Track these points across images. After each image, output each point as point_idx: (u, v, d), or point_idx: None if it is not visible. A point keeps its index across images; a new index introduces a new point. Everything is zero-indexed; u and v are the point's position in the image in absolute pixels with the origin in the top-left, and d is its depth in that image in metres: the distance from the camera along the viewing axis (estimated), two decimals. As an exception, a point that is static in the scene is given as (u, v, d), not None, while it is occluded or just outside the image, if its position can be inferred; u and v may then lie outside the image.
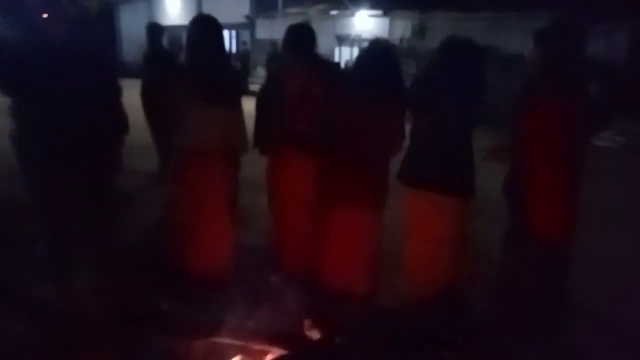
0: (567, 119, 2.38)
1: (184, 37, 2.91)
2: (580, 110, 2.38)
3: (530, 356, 2.28)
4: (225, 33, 2.82)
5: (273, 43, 11.56)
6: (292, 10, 14.71)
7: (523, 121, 2.48)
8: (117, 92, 2.83)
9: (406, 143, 2.66)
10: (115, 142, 2.88)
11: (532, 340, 2.40)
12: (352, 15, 14.02)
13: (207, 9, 13.37)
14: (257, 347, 2.08)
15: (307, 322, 2.20)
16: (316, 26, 3.06)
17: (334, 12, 14.37)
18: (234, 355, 2.08)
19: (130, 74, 4.76)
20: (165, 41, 4.63)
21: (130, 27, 16.28)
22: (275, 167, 2.93)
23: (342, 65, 10.18)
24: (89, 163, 2.65)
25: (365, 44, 2.86)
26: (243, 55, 14.81)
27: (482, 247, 2.93)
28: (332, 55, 14.16)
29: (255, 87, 3.00)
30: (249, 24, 16.59)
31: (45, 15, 2.43)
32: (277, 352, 1.96)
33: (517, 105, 2.57)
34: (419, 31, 12.42)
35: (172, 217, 2.79)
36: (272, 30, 13.64)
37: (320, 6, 14.82)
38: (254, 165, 3.02)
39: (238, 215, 2.86)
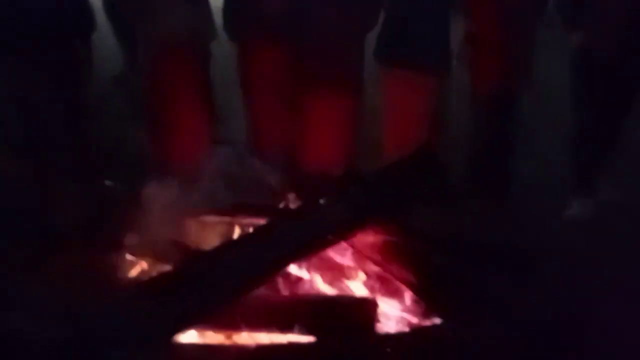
0: None
1: None
2: None
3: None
4: None
5: None
6: None
7: None
8: None
9: (381, 19, 2.65)
10: (81, 39, 2.75)
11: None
12: None
13: None
14: (244, 221, 2.18)
15: (290, 197, 2.29)
16: None
17: None
18: (223, 230, 2.18)
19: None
20: None
21: None
22: (246, 52, 2.86)
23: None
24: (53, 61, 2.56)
25: None
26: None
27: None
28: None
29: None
30: None
31: None
32: (264, 222, 2.05)
33: None
34: None
35: (147, 109, 2.77)
36: None
37: None
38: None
39: (213, 103, 2.84)
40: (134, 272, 2.14)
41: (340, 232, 1.83)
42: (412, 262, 1.84)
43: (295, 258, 1.81)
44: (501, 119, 2.73)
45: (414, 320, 1.83)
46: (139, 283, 1.98)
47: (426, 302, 1.78)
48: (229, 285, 1.73)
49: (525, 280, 1.71)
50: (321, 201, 1.83)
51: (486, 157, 2.80)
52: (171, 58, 2.67)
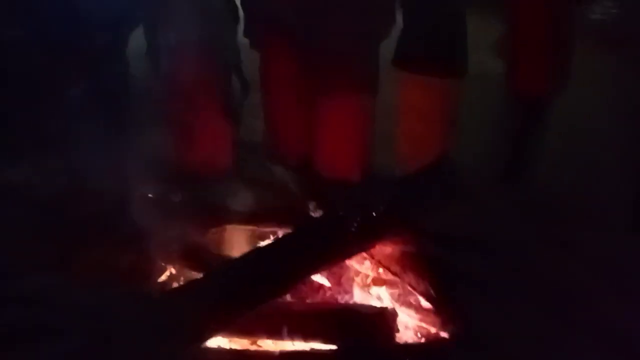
0: None
1: None
2: None
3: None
4: None
5: None
6: None
7: None
8: None
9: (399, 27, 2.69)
10: None
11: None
12: None
13: None
14: (267, 229, 2.26)
15: (311, 204, 2.36)
16: None
17: None
18: (246, 239, 2.26)
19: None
20: None
21: None
22: (265, 59, 2.92)
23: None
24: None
25: None
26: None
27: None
28: None
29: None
30: None
31: None
32: (286, 231, 2.12)
33: None
34: None
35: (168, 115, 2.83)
36: None
37: None
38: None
39: (234, 109, 2.90)
40: (162, 277, 2.23)
41: (360, 244, 1.90)
42: (428, 272, 1.90)
43: (317, 268, 1.88)
44: (534, 120, 2.79)
45: (432, 330, 1.90)
46: (167, 289, 2.06)
47: (442, 312, 1.84)
48: (253, 294, 1.79)
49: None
50: (341, 213, 1.88)
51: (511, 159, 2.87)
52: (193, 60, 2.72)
